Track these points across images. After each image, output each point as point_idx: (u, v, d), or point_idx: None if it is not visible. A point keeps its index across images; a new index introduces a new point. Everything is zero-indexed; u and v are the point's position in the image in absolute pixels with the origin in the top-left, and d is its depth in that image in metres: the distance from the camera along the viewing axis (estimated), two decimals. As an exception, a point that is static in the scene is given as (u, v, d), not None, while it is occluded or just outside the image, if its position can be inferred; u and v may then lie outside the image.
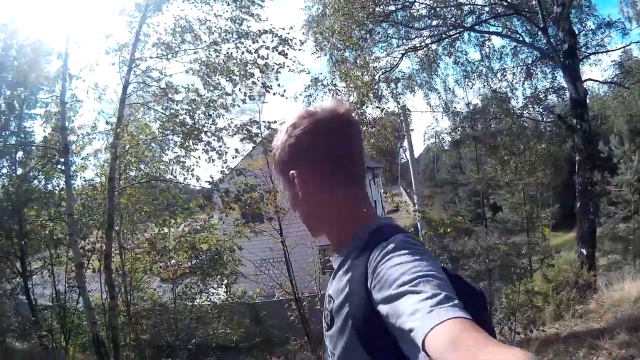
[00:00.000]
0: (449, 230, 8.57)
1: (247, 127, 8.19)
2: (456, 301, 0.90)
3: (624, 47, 14.92)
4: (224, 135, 8.12)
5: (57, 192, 9.32)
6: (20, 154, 9.44)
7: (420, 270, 0.97)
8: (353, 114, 1.28)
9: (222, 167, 8.12)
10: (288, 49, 8.19)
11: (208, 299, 10.99)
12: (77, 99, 8.91)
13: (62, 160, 8.06)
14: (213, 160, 8.09)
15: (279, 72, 8.30)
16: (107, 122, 8.97)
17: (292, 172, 1.23)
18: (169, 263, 10.39)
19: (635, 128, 16.19)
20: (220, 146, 8.07)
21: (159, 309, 10.56)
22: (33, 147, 9.33)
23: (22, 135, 9.41)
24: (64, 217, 8.19)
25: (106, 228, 7.87)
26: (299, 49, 8.54)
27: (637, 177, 15.38)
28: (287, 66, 8.32)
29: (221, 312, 10.99)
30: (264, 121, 8.47)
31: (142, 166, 9.36)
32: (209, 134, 8.07)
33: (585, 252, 11.93)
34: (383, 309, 0.97)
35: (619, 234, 15.20)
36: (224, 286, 11.35)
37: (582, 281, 10.10)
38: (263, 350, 11.12)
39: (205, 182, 8.38)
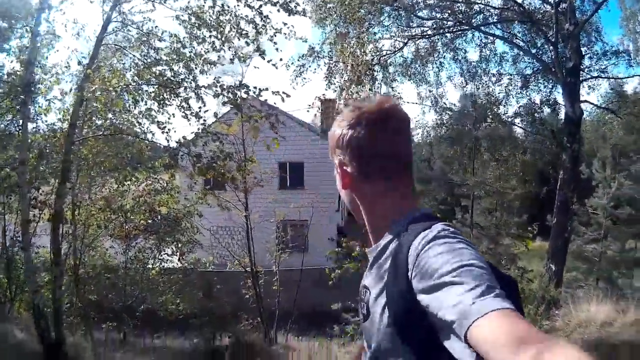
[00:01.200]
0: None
1: (235, 90, 7.38)
2: (498, 291, 0.88)
3: (627, 77, 15.51)
4: (205, 94, 7.37)
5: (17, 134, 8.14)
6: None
7: (462, 260, 0.95)
8: (398, 109, 1.25)
9: (199, 128, 7.45)
10: (291, 13, 7.59)
11: (161, 265, 10.46)
12: (53, 32, 7.79)
13: (23, 98, 7.01)
14: (189, 119, 7.33)
15: (274, 36, 7.71)
16: (79, 63, 7.87)
17: (336, 161, 1.26)
18: (124, 223, 9.77)
19: (619, 156, 16.33)
20: (199, 106, 7.37)
21: (107, 273, 9.94)
22: (-1, 83, 8.17)
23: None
24: (16, 164, 7.17)
25: (58, 182, 6.96)
26: (303, 14, 7.71)
27: (612, 204, 15.39)
28: (284, 33, 7.73)
29: (173, 280, 10.57)
30: (254, 87, 7.52)
31: (109, 115, 8.28)
32: (188, 89, 7.34)
33: (554, 268, 12.37)
34: (424, 299, 0.96)
35: (584, 254, 15.40)
36: (177, 254, 10.75)
37: (548, 296, 10.05)
38: (213, 327, 10.36)
39: (176, 142, 7.60)
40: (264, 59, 7.56)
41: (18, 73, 7.38)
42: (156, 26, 7.76)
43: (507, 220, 15.61)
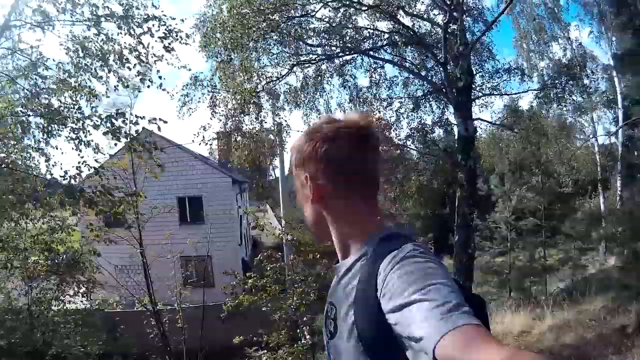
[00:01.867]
0: (317, 255, 8.46)
1: (113, 118, 7.94)
2: (467, 308, 0.97)
3: (521, 92, 16.50)
4: (88, 125, 7.99)
5: None
6: None
7: (430, 278, 1.05)
8: (374, 127, 1.39)
9: (82, 162, 8.06)
10: (172, 41, 8.51)
11: (64, 307, 11.20)
12: None
13: None
14: (80, 150, 8.06)
15: (154, 64, 8.59)
16: None
17: (305, 174, 1.35)
18: (24, 263, 10.44)
19: (516, 170, 17.67)
20: (85, 136, 8.05)
21: (10, 316, 10.54)
22: None
23: None
24: None
25: None
26: (185, 43, 8.37)
27: (514, 217, 16.93)
28: (166, 59, 8.65)
29: (77, 322, 11.21)
30: (131, 114, 8.29)
31: None
32: (74, 119, 7.96)
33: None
34: (393, 317, 1.04)
35: (494, 267, 16.45)
36: (80, 294, 11.45)
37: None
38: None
39: (60, 176, 8.09)
40: (143, 83, 8.11)
41: None
42: (42, 53, 8.38)
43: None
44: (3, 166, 8.48)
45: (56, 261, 10.64)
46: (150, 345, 11.18)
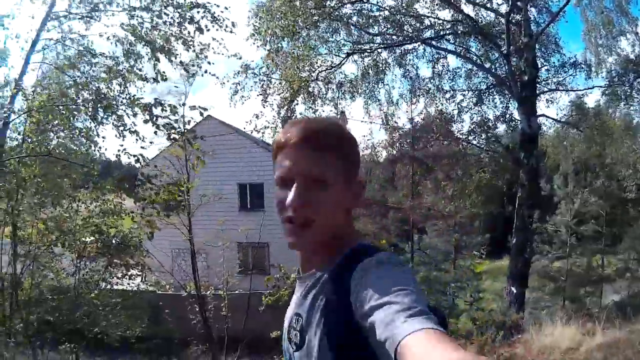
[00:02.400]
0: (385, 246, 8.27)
1: (152, 106, 8.01)
2: (431, 315, 0.97)
3: (586, 89, 15.55)
4: (127, 113, 8.16)
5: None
6: None
7: (398, 283, 1.05)
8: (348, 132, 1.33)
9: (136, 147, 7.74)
10: (218, 29, 8.42)
11: (111, 288, 11.44)
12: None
13: None
14: (123, 137, 8.16)
15: (202, 52, 8.59)
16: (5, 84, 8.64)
17: (358, 177, 1.32)
18: (74, 243, 10.49)
19: (581, 171, 16.77)
20: (129, 124, 8.20)
21: (57, 294, 10.74)
22: None
23: None
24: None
25: None
26: (230, 31, 8.63)
27: (576, 220, 15.67)
28: (212, 48, 8.59)
29: (122, 303, 11.37)
30: (169, 104, 8.21)
31: (51, 135, 9.12)
32: (117, 107, 8.07)
33: (515, 291, 12.32)
34: (365, 323, 1.04)
35: (550, 273, 15.62)
36: (128, 276, 11.63)
37: (509, 322, 10.15)
38: (161, 352, 10.59)
39: (134, 159, 8.21)
40: (187, 71, 8.19)
41: None
42: (91, 42, 8.47)
43: (466, 240, 15.76)
44: (57, 151, 8.78)
45: (106, 244, 10.84)
46: (193, 331, 11.33)
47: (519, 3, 12.94)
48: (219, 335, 10.94)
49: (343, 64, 15.03)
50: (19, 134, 9.07)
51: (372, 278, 1.10)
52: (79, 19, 8.00)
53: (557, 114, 16.25)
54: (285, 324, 1.35)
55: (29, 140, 8.88)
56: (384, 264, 1.14)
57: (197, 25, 8.19)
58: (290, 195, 1.21)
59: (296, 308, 1.31)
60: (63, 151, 9.16)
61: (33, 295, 10.29)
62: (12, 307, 9.77)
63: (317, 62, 14.66)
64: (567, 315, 11.51)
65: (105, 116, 8.05)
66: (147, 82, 8.46)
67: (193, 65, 8.67)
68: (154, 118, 7.98)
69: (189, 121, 8.93)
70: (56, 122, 8.50)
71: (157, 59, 8.29)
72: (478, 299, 12.26)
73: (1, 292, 9.66)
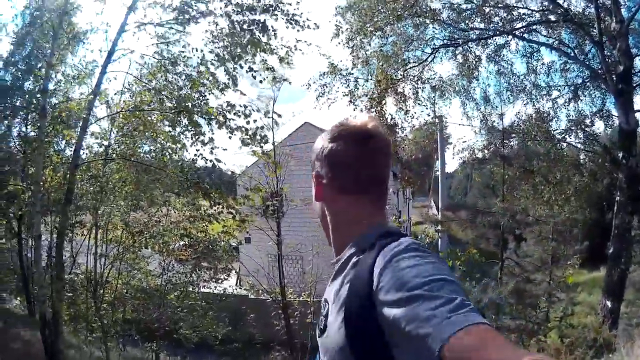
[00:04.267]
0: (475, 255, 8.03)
1: (225, 111, 8.11)
2: (472, 306, 0.93)
3: None
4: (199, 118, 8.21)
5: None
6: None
7: (434, 274, 1.00)
8: (379, 129, 1.40)
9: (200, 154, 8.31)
10: (299, 29, 8.25)
11: (197, 291, 11.79)
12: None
13: (39, 124, 8.28)
14: (201, 143, 8.20)
15: (289, 55, 8.49)
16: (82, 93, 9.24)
17: (313, 173, 1.43)
18: (164, 246, 11.08)
19: None
20: (210, 130, 8.22)
21: (142, 294, 11.21)
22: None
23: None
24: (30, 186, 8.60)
25: (63, 203, 8.04)
26: (309, 27, 8.36)
27: None
28: (299, 49, 8.44)
29: (208, 305, 11.80)
30: (241, 105, 8.28)
31: (137, 141, 9.51)
32: (198, 113, 8.13)
33: (610, 305, 11.60)
34: (390, 312, 0.99)
35: None
36: (214, 279, 12.18)
37: (601, 339, 9.54)
38: (241, 356, 10.92)
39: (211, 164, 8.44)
40: (270, 70, 8.39)
41: (38, 97, 8.50)
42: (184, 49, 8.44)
43: (563, 249, 15.05)
44: (150, 157, 9.27)
45: (195, 247, 11.21)
46: (276, 336, 11.46)
47: (607, -15, 12.16)
48: (301, 342, 11.12)
49: (431, 59, 14.70)
50: (102, 139, 9.52)
51: (400, 266, 1.06)
52: (160, 25, 8.22)
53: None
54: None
55: (116, 146, 9.37)
56: (411, 250, 1.11)
57: (271, 28, 8.07)
58: None
59: (325, 293, 1.35)
60: (149, 157, 9.60)
61: (119, 295, 10.82)
62: (96, 305, 10.29)
63: (406, 60, 14.32)
64: (663, 332, 10.71)
65: (187, 123, 8.18)
66: (223, 91, 8.52)
67: (268, 69, 8.60)
68: (227, 121, 8.05)
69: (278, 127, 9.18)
70: (140, 128, 8.82)
71: (236, 64, 8.36)
72: (570, 313, 11.57)
73: (86, 290, 10.31)
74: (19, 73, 9.74)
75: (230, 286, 13.09)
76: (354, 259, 1.24)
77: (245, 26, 8.09)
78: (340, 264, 1.31)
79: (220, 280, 12.40)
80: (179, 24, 8.03)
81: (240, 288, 13.41)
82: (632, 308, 14.56)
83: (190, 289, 11.62)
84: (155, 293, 11.22)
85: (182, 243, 11.54)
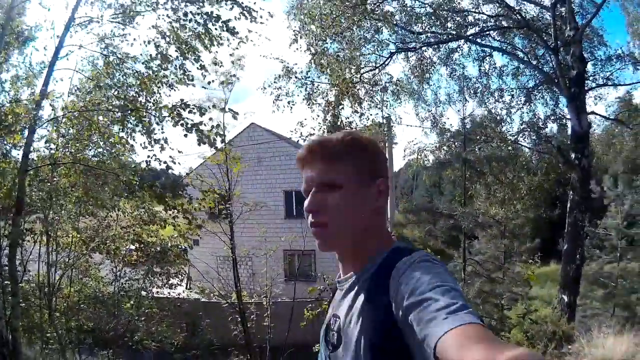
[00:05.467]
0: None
1: (179, 108, 7.83)
2: (471, 309, 0.96)
3: (635, 83, 15.24)
4: (155, 117, 8.01)
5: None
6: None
7: (439, 281, 1.05)
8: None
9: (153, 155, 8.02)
10: (252, 20, 8.04)
11: (151, 296, 11.57)
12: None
13: None
14: (152, 145, 7.92)
15: (238, 47, 8.42)
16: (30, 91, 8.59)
17: (380, 179, 1.35)
18: (115, 251, 10.76)
19: (632, 171, 16.11)
20: (157, 129, 8.01)
21: (96, 302, 11.01)
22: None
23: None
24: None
25: (14, 212, 7.72)
26: (261, 22, 8.21)
27: (626, 223, 15.08)
28: (251, 40, 8.26)
29: (162, 311, 11.59)
30: (195, 105, 8.00)
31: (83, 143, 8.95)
32: (144, 112, 7.95)
33: (566, 300, 11.94)
34: (406, 319, 1.03)
35: (600, 278, 15.03)
36: (168, 285, 11.92)
37: (560, 332, 9.83)
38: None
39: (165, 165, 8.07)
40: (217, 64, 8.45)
41: None
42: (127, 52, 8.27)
43: (516, 246, 15.37)
44: (96, 160, 8.90)
45: (146, 252, 10.92)
46: (234, 341, 11.18)
47: (564, -6, 12.49)
48: (260, 345, 10.88)
49: (387, 63, 14.85)
50: (47, 142, 9.05)
51: (410, 275, 1.10)
52: (108, 21, 7.90)
53: (606, 112, 15.82)
54: (323, 327, 1.40)
55: (59, 149, 8.80)
56: (421, 261, 1.15)
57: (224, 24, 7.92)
58: (306, 202, 1.35)
59: (334, 310, 1.36)
60: (97, 159, 9.18)
61: (72, 303, 10.43)
62: (50, 314, 9.85)
63: (361, 63, 14.35)
64: (618, 324, 11.11)
65: (135, 123, 7.95)
66: (173, 87, 8.30)
67: (220, 66, 8.66)
68: (182, 120, 7.80)
69: (227, 129, 8.93)
70: (85, 130, 8.45)
71: (185, 58, 8.14)
72: (532, 310, 11.91)
73: (39, 299, 9.83)
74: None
75: (182, 291, 12.82)
76: (367, 276, 1.27)
77: (197, 18, 7.88)
78: (352, 281, 1.33)
79: (174, 286, 12.16)
80: (125, 18, 7.83)
81: (191, 291, 13.10)
82: (586, 300, 15.11)
83: (144, 295, 11.36)
84: (109, 301, 10.94)
85: (132, 247, 11.20)
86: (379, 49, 14.81)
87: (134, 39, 8.09)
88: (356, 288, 1.29)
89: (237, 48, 8.47)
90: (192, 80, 8.42)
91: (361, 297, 1.24)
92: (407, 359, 1.07)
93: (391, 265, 1.19)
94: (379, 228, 1.34)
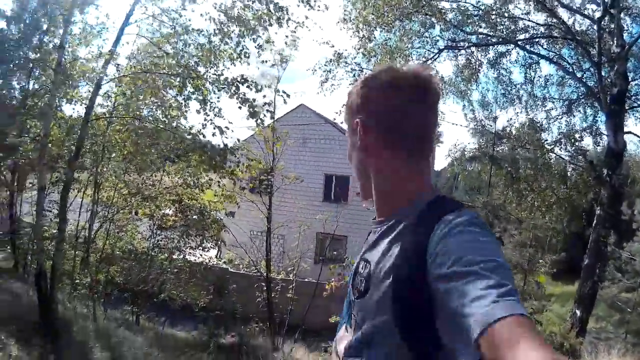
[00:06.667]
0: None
1: (238, 83, 8.40)
2: (518, 296, 0.91)
3: None
4: (214, 88, 8.55)
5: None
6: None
7: (491, 254, 0.98)
8: (436, 82, 1.28)
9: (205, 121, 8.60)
10: (309, 8, 8.59)
11: (184, 257, 11.80)
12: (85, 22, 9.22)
13: (52, 79, 8.21)
14: (207, 112, 8.50)
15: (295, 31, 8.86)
16: (100, 54, 9.04)
17: (356, 120, 1.28)
18: (155, 211, 11.20)
19: None
20: (211, 99, 8.60)
21: (131, 257, 11.34)
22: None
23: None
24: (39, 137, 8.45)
25: (71, 156, 8.30)
26: (319, 9, 8.69)
27: None
28: (306, 26, 8.77)
29: (193, 273, 11.82)
30: (252, 81, 8.59)
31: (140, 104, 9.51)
32: (209, 83, 8.51)
33: (579, 314, 11.98)
34: (441, 285, 0.98)
35: (618, 303, 14.94)
36: (201, 248, 12.15)
37: (567, 345, 9.92)
38: (221, 324, 11.69)
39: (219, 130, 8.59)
40: (265, 46, 8.74)
41: (52, 56, 8.42)
42: (187, 20, 8.70)
43: (540, 256, 15.36)
44: (147, 122, 9.37)
45: (185, 214, 11.31)
46: (256, 310, 11.78)
47: (612, 10, 12.37)
48: (280, 317, 11.42)
49: (436, 58, 14.84)
50: (109, 100, 9.60)
51: (458, 239, 1.03)
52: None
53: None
54: (352, 270, 1.34)
55: (120, 107, 9.39)
56: (471, 224, 1.07)
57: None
58: None
59: (364, 253, 1.29)
60: (152, 119, 9.69)
61: (105, 255, 10.84)
62: (83, 263, 10.41)
63: (410, 56, 14.41)
64: (625, 347, 11.20)
65: (193, 91, 8.46)
66: (233, 61, 8.77)
67: (268, 42, 8.99)
68: (239, 94, 8.34)
69: (277, 107, 9.38)
70: (145, 91, 8.92)
71: (245, 36, 8.61)
72: (540, 310, 11.97)
73: (74, 248, 10.29)
74: (28, 28, 9.75)
75: (210, 258, 13.19)
76: (405, 223, 1.19)
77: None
78: (387, 226, 1.24)
79: (207, 249, 12.46)
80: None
81: (220, 261, 13.57)
82: (601, 323, 15.13)
83: (176, 256, 11.69)
84: (142, 256, 11.33)
85: (170, 211, 11.61)
86: (428, 44, 14.87)
87: (200, 14, 8.62)
88: (392, 235, 1.21)
89: (293, 31, 8.93)
90: (248, 57, 8.87)
91: (398, 246, 1.16)
92: (430, 317, 1.02)
93: (434, 217, 1.11)
94: (395, 170, 1.25)
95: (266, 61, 9.30)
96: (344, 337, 1.37)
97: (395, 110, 1.23)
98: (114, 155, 10.16)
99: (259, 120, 8.79)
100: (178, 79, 8.48)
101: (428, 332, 1.03)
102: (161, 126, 9.34)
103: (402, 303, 1.08)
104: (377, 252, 1.21)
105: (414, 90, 1.23)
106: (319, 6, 8.67)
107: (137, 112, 9.36)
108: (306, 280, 12.01)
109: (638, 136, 15.10)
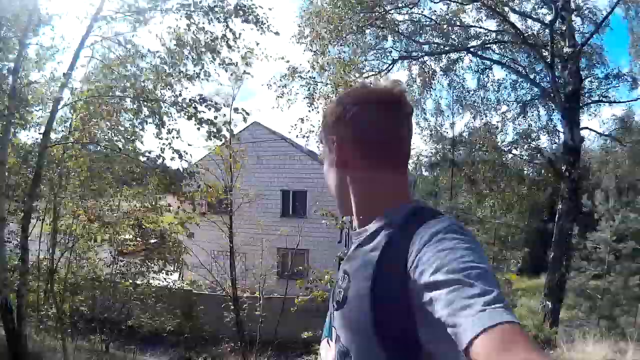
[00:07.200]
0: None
1: (196, 103, 8.34)
2: (506, 302, 0.89)
3: (630, 101, 15.55)
4: (170, 109, 8.52)
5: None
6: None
7: (474, 261, 0.96)
8: (407, 98, 1.31)
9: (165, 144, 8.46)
10: (262, 32, 8.73)
11: (147, 282, 11.60)
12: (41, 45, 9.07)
13: (7, 104, 7.95)
14: (161, 135, 8.40)
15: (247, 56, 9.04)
16: (52, 78, 9.11)
17: (332, 137, 1.30)
18: (114, 236, 10.97)
19: (623, 187, 16.40)
20: (169, 121, 8.50)
21: (94, 285, 11.07)
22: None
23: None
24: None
25: (30, 186, 8.09)
26: (272, 31, 8.86)
27: (615, 238, 15.49)
28: (256, 54, 9.14)
29: (158, 298, 11.66)
30: (211, 100, 8.57)
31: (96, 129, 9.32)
32: (166, 105, 8.45)
33: (550, 305, 12.14)
34: (424, 294, 0.97)
35: (587, 291, 15.33)
36: (164, 272, 12.00)
37: (542, 336, 10.06)
38: (191, 347, 10.91)
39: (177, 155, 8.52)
40: (225, 69, 8.80)
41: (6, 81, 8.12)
42: (135, 45, 8.70)
43: (505, 254, 15.56)
44: (103, 147, 9.18)
45: (145, 239, 11.19)
46: (226, 330, 11.66)
47: (563, 13, 12.79)
48: (250, 335, 11.26)
49: (390, 70, 15.08)
50: (64, 126, 9.47)
51: (438, 247, 1.01)
52: (127, 17, 8.32)
53: (601, 128, 16.13)
54: (336, 282, 1.33)
55: (76, 132, 9.18)
56: (453, 232, 1.05)
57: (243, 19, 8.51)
58: None
59: (344, 265, 1.29)
60: (108, 143, 9.47)
61: (69, 285, 10.56)
62: (47, 295, 10.16)
63: (364, 68, 14.58)
64: (600, 332, 11.45)
65: (149, 114, 8.38)
66: (191, 80, 8.77)
67: (234, 65, 9.06)
68: (197, 114, 8.30)
69: (235, 125, 9.41)
70: (100, 116, 8.79)
71: (201, 59, 8.66)
72: (513, 306, 12.21)
73: (37, 279, 10.01)
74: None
75: (174, 281, 13.00)
76: (384, 233, 1.18)
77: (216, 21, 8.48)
78: (365, 237, 1.24)
79: (169, 273, 12.33)
80: (139, 18, 8.34)
81: (183, 283, 13.40)
82: (571, 311, 15.43)
83: (139, 281, 11.51)
84: (105, 283, 11.13)
85: (129, 237, 11.48)
86: (382, 56, 15.16)
87: (156, 35, 8.61)
88: (371, 244, 1.20)
89: (250, 50, 9.05)
90: (209, 76, 8.91)
91: (376, 253, 1.15)
92: (410, 326, 1.03)
93: (413, 226, 1.11)
94: (373, 181, 1.27)
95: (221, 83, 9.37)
96: (328, 352, 1.39)
97: (370, 125, 1.26)
98: (71, 182, 9.97)
99: (217, 142, 8.78)
100: (135, 103, 8.39)
101: (407, 340, 1.05)
102: (116, 150, 9.16)
103: (381, 312, 1.08)
104: (356, 262, 1.22)
105: (389, 105, 1.26)
106: (271, 31, 8.83)
107: (93, 137, 9.17)
108: (272, 296, 11.93)
109: (594, 131, 15.39)
